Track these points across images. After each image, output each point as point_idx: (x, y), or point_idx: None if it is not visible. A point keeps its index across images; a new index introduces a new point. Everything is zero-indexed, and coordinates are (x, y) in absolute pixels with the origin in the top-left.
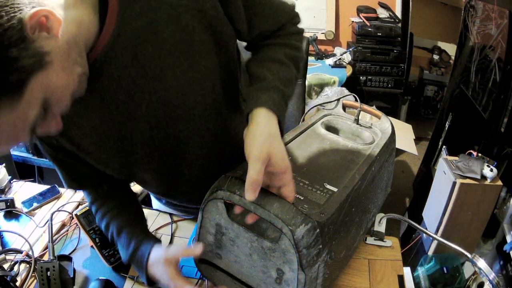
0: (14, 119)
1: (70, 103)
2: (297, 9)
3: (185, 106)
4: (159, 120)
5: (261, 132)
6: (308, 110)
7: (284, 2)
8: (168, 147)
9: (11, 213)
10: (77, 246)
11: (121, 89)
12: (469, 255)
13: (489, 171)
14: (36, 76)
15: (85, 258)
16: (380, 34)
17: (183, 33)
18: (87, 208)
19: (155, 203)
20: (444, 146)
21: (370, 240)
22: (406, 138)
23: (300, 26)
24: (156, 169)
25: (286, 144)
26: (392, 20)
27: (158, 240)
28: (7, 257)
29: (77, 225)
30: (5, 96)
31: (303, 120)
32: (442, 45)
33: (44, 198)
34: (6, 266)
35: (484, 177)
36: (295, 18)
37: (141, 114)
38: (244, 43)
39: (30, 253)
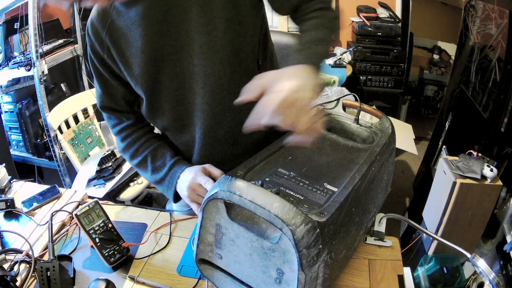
0: None
1: None
2: None
3: (200, 42)
4: (181, 49)
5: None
6: None
7: None
8: (185, 80)
9: (11, 213)
10: (77, 246)
11: (158, 9)
12: (469, 255)
13: (489, 171)
14: None
15: (85, 258)
16: (380, 34)
17: None
18: (87, 208)
19: None
20: (444, 146)
21: (370, 240)
22: (406, 138)
23: None
24: (174, 97)
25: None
26: (392, 20)
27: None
28: (7, 257)
29: (77, 225)
30: None
31: None
32: (442, 45)
33: (44, 198)
34: (6, 266)
35: (484, 177)
36: None
37: (169, 38)
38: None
39: (30, 253)
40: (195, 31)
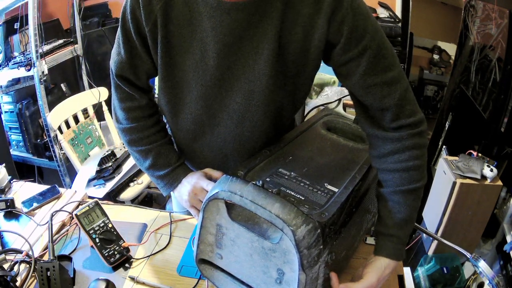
0: None
1: None
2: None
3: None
4: (245, 65)
5: (375, 274)
6: (310, 111)
7: (396, 79)
8: (218, 90)
9: (11, 213)
10: (77, 246)
11: (246, 11)
12: (469, 255)
13: (489, 171)
14: None
15: (85, 258)
16: None
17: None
18: (87, 208)
19: None
20: (444, 146)
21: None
22: None
23: (422, 136)
24: (202, 96)
25: (286, 144)
26: (392, 20)
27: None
28: (7, 257)
29: (77, 225)
30: None
31: (304, 120)
32: (442, 45)
33: (44, 198)
34: (6, 266)
35: (484, 177)
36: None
37: (239, 49)
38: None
39: (30, 253)
40: (267, 59)
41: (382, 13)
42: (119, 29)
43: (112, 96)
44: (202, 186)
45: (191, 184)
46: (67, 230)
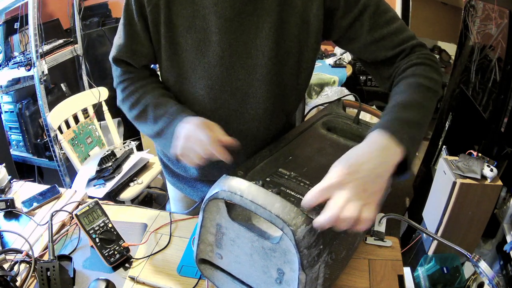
0: None
1: None
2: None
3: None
4: (248, 41)
5: (356, 152)
6: (309, 110)
7: (403, 29)
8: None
9: (11, 213)
10: (77, 246)
11: None
12: (469, 255)
13: (489, 171)
14: None
15: (85, 258)
16: None
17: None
18: (87, 208)
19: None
20: (444, 146)
21: (370, 240)
22: None
23: (426, 52)
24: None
25: (286, 144)
26: None
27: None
28: (7, 257)
29: (77, 225)
30: None
31: (304, 120)
32: (442, 45)
33: (44, 198)
34: (6, 266)
35: (484, 177)
36: (415, 45)
37: (240, 25)
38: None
39: (30, 253)
40: (268, 33)
41: None
42: (123, 12)
43: (115, 83)
44: (198, 135)
45: (192, 125)
46: (67, 230)
